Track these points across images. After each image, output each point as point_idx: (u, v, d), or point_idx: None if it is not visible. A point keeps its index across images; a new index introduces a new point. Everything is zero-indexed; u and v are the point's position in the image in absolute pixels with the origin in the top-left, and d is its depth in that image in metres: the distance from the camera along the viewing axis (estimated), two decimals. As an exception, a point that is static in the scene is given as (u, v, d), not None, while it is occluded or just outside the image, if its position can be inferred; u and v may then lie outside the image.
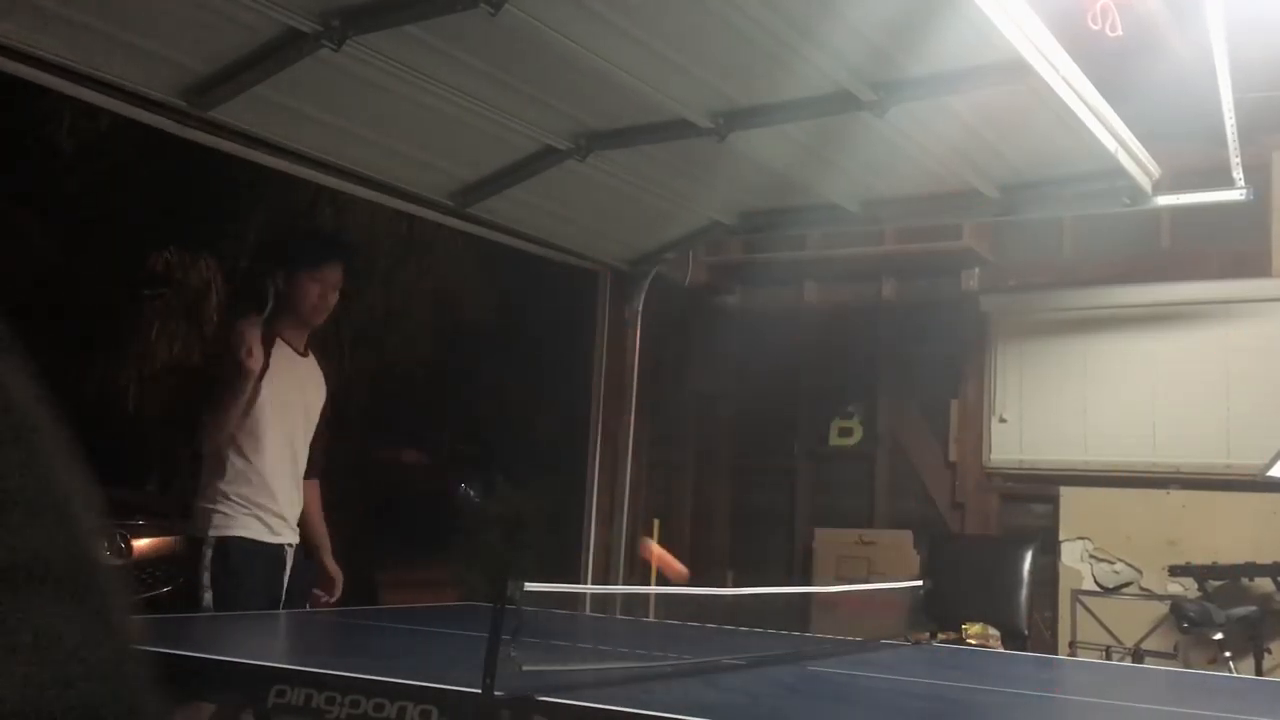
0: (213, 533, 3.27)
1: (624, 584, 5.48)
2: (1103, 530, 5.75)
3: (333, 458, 3.88)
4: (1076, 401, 5.92)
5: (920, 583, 4.92)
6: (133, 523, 6.34)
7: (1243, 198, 4.10)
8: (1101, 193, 4.29)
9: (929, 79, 3.49)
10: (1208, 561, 5.31)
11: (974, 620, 5.21)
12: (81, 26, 3.12)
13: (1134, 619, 5.54)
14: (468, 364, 9.18)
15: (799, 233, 6.12)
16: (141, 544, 6.31)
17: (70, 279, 8.02)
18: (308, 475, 3.62)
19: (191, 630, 2.71)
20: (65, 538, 0.50)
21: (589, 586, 5.16)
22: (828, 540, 6.35)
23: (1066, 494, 5.88)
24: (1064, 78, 3.39)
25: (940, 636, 4.66)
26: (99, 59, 3.28)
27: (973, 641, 5.07)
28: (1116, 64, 4.10)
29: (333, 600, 3.58)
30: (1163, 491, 5.62)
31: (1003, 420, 6.14)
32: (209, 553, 3.23)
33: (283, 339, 3.52)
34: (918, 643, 3.80)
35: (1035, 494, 6.03)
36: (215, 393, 3.33)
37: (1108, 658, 5.33)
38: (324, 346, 7.82)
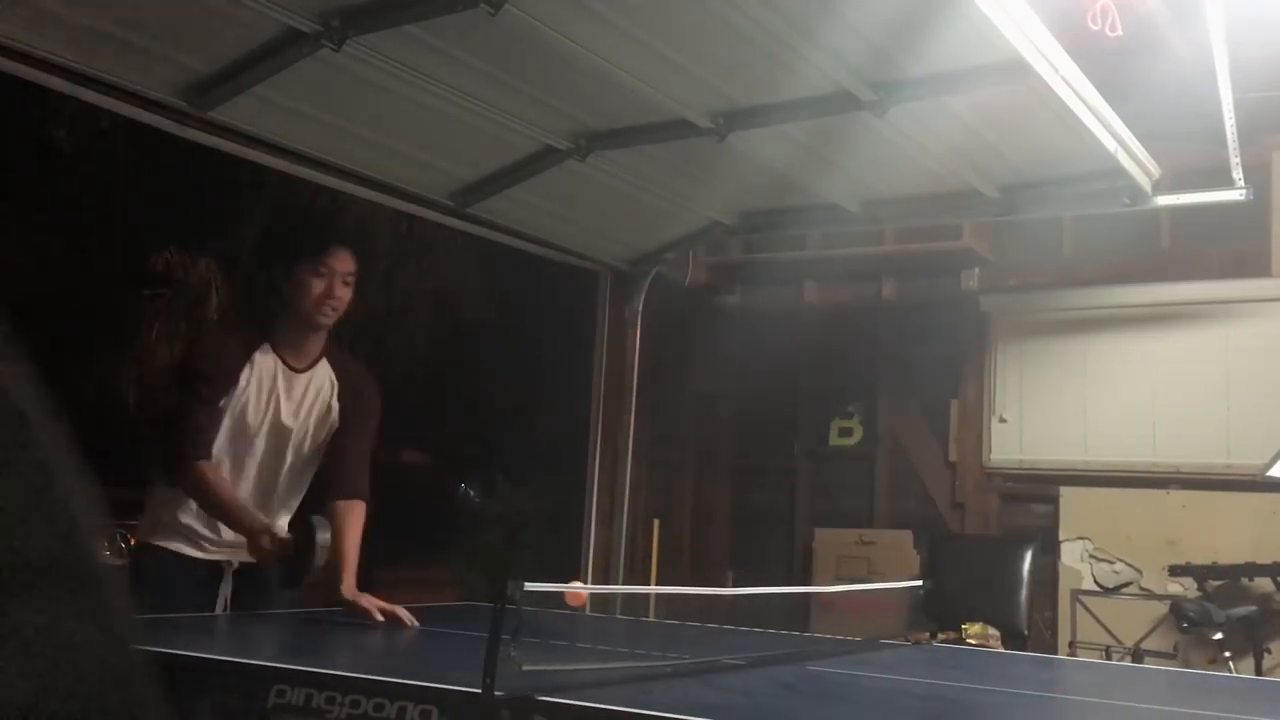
0: (140, 537, 3.03)
1: (624, 584, 5.49)
2: (1103, 530, 5.75)
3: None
4: (1076, 401, 5.92)
5: (920, 583, 4.93)
6: (133, 523, 6.34)
7: (1243, 198, 4.11)
8: (1101, 193, 4.29)
9: (929, 79, 3.49)
10: (1208, 561, 5.31)
11: (974, 620, 5.21)
12: (81, 26, 3.13)
13: (1134, 619, 5.54)
14: (468, 364, 9.18)
15: (799, 233, 6.13)
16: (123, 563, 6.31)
17: (70, 279, 8.02)
18: (347, 495, 3.06)
19: (191, 630, 2.71)
20: (65, 537, 0.50)
21: (589, 586, 5.16)
22: (828, 540, 6.35)
23: (1066, 494, 5.88)
24: (1064, 78, 3.39)
25: (940, 636, 4.66)
26: (99, 59, 3.28)
27: (973, 641, 5.08)
28: (1116, 64, 4.10)
29: (376, 623, 2.95)
30: (1163, 491, 5.63)
31: (1003, 420, 6.15)
32: (130, 558, 3.02)
33: (276, 351, 3.02)
34: (918, 643, 3.80)
35: (1035, 494, 6.04)
36: (178, 408, 2.95)
37: (1108, 658, 5.33)
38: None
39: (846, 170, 4.37)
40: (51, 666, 0.47)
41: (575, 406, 5.88)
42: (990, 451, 6.18)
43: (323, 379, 3.11)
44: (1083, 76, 3.50)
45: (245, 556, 2.96)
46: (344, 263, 3.02)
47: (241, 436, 2.98)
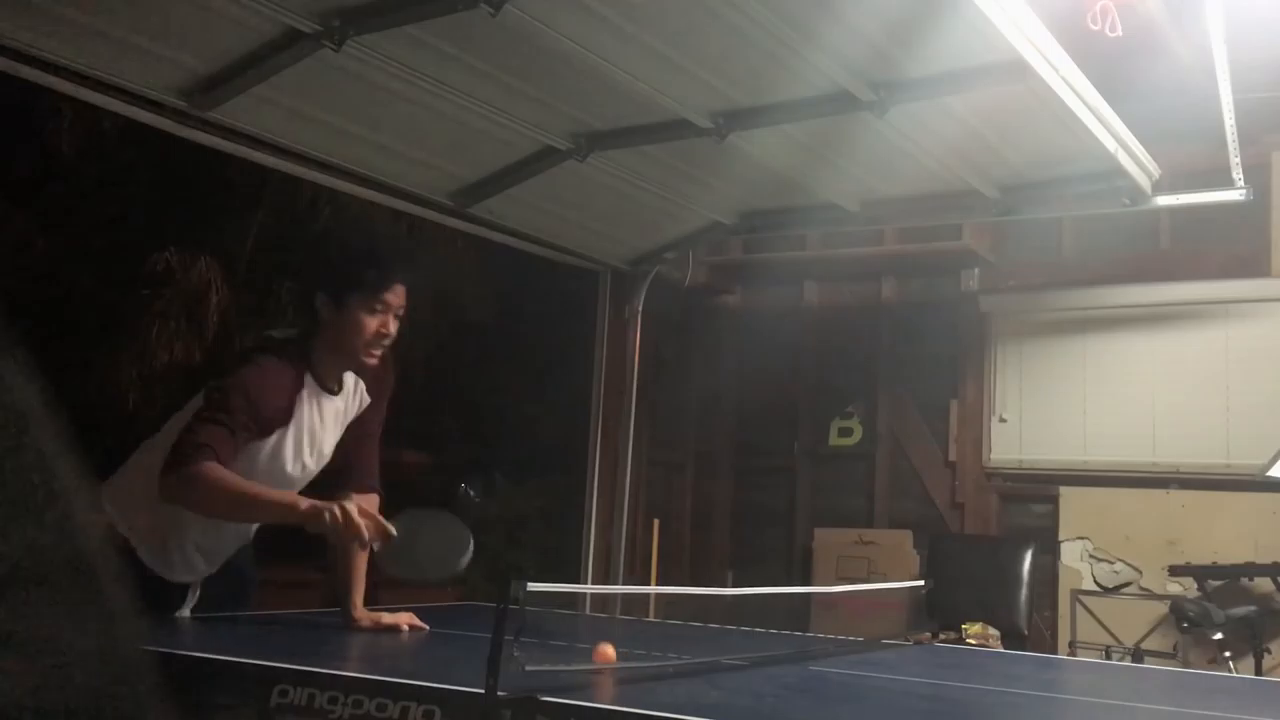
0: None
1: (624, 584, 5.48)
2: (1102, 530, 5.75)
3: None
4: (1076, 401, 5.93)
5: (920, 583, 4.93)
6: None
7: (1242, 198, 4.11)
8: (1101, 193, 4.29)
9: (929, 79, 3.49)
10: (1207, 561, 5.31)
11: (974, 620, 5.21)
12: (81, 26, 3.13)
13: (1134, 619, 5.54)
14: (468, 364, 9.17)
15: (799, 233, 6.13)
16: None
17: (70, 279, 8.01)
18: (363, 488, 2.86)
19: (192, 630, 2.71)
20: (65, 537, 0.50)
21: (589, 586, 5.16)
22: (828, 540, 6.35)
23: (1066, 494, 5.88)
24: (1064, 78, 3.39)
25: (940, 636, 4.66)
26: (99, 59, 3.28)
27: (973, 641, 5.08)
28: (1116, 64, 4.10)
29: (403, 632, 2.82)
30: (1162, 491, 5.63)
31: (1002, 420, 6.15)
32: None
33: (314, 375, 2.73)
34: (918, 643, 3.80)
35: (1035, 494, 6.04)
36: (197, 417, 2.54)
37: (1108, 658, 5.33)
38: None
39: (846, 170, 4.37)
40: (52, 666, 0.47)
41: (575, 406, 5.88)
42: (990, 451, 6.18)
43: (350, 389, 2.87)
44: (1083, 76, 3.50)
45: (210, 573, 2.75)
46: (400, 296, 2.74)
47: (272, 472, 2.69)
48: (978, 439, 6.19)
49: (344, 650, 2.67)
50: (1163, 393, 5.72)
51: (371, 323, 2.68)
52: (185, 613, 2.81)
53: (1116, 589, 5.66)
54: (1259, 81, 4.57)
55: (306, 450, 2.76)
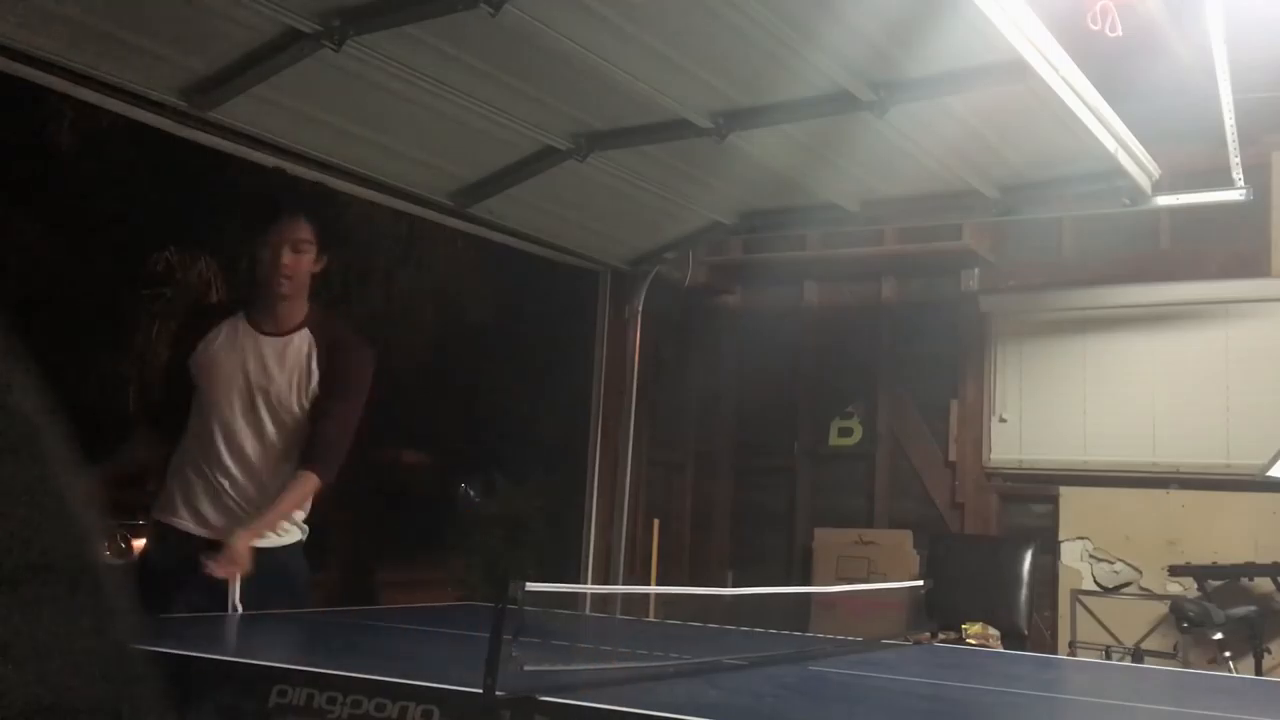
0: (153, 514, 3.07)
1: (624, 584, 5.48)
2: (1102, 530, 5.75)
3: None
4: (1076, 401, 5.93)
5: (920, 583, 4.93)
6: (133, 523, 6.34)
7: (1242, 198, 4.11)
8: (1101, 193, 4.29)
9: (929, 79, 3.49)
10: (1207, 561, 5.31)
11: (974, 620, 5.21)
12: (81, 26, 3.13)
13: (1134, 619, 5.54)
14: (468, 364, 9.17)
15: (799, 233, 6.13)
16: (141, 544, 6.30)
17: (70, 279, 8.01)
18: (305, 462, 3.06)
19: (192, 630, 2.71)
20: (65, 537, 0.50)
21: (589, 586, 5.16)
22: (828, 540, 6.35)
23: (1066, 494, 5.88)
24: (1064, 78, 3.39)
25: (940, 636, 4.66)
26: (99, 59, 3.29)
27: (973, 641, 5.08)
28: (1116, 64, 4.10)
29: (215, 574, 2.87)
30: (1162, 491, 5.63)
31: (1002, 420, 6.15)
32: (150, 535, 2.98)
33: (249, 320, 3.13)
34: (918, 643, 3.80)
35: (1035, 494, 6.04)
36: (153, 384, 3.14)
37: (1108, 658, 5.33)
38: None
39: (846, 170, 4.37)
40: (52, 666, 0.47)
41: (575, 406, 5.88)
42: (990, 451, 6.18)
43: (301, 343, 3.13)
44: (1083, 76, 3.50)
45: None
46: (294, 230, 3.08)
47: (213, 393, 3.05)
48: (978, 439, 6.19)
49: (343, 650, 2.67)
50: (1163, 393, 5.72)
51: (270, 255, 3.07)
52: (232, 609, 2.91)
53: (1116, 589, 5.66)
54: (1259, 81, 4.57)
55: (241, 369, 3.06)
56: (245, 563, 2.84)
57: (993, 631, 5.22)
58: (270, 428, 3.07)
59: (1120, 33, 3.75)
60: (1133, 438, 5.75)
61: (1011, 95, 3.50)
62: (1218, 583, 5.30)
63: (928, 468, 6.33)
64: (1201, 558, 5.35)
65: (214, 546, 2.90)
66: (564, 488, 6.07)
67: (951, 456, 6.26)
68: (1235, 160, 4.01)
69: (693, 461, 6.97)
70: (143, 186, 8.14)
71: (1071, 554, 5.79)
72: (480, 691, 1.67)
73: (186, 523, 3.03)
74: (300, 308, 3.15)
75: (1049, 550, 5.78)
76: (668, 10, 3.15)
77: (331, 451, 3.10)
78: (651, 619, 5.42)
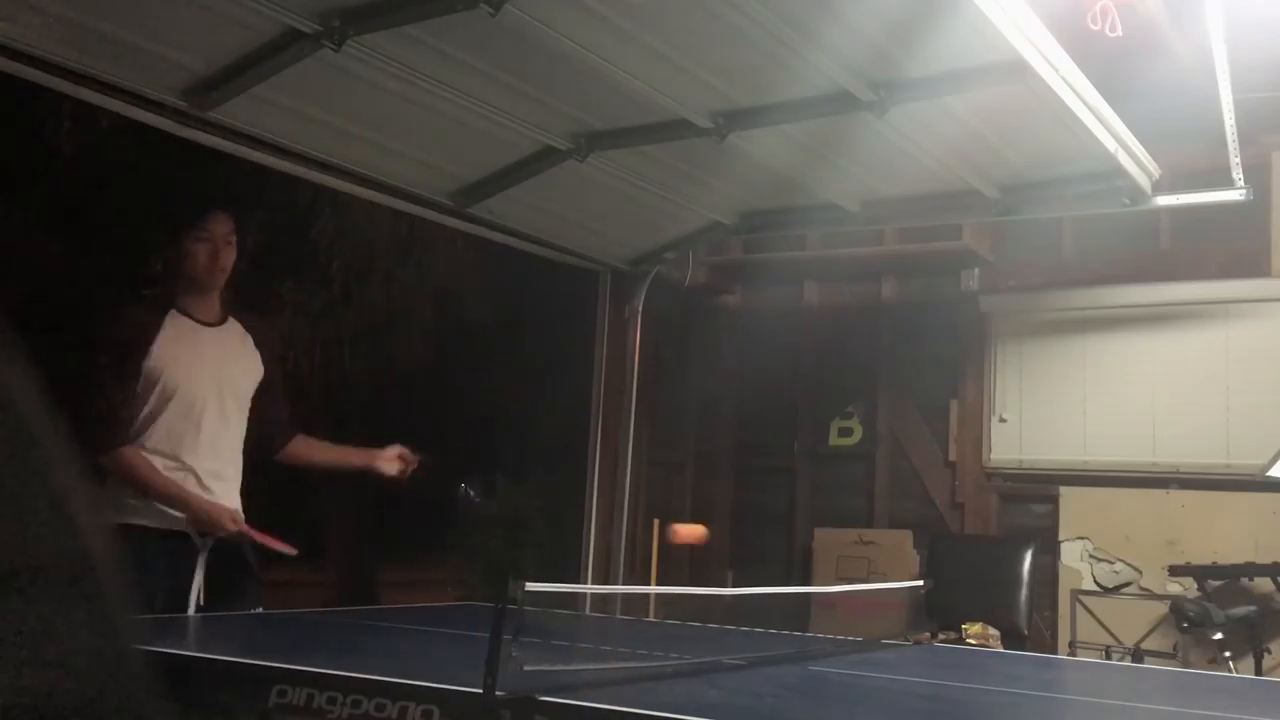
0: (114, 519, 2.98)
1: (624, 584, 5.48)
2: (1102, 530, 5.75)
3: None
4: (1076, 401, 5.93)
5: (920, 583, 4.93)
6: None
7: (1242, 198, 4.10)
8: (1101, 193, 4.29)
9: (929, 79, 3.49)
10: (1207, 561, 5.31)
11: (974, 620, 5.21)
12: (81, 26, 3.12)
13: (1134, 619, 5.54)
14: (468, 364, 9.17)
15: (799, 233, 6.13)
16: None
17: (70, 279, 8.01)
18: (288, 429, 3.41)
19: (192, 630, 2.71)
20: (66, 537, 0.50)
21: (589, 586, 5.16)
22: (828, 540, 6.35)
23: (1066, 494, 5.88)
24: (1064, 78, 3.39)
25: (940, 636, 4.66)
26: (99, 59, 3.28)
27: (973, 641, 5.08)
28: (1116, 64, 4.10)
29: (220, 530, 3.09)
30: (1163, 491, 5.63)
31: (1003, 420, 6.15)
32: None
33: (182, 312, 3.22)
34: (918, 643, 3.80)
35: (1035, 494, 6.04)
36: (102, 384, 3.08)
37: (1108, 658, 5.33)
38: (325, 346, 7.83)
39: (846, 170, 4.37)
40: (52, 666, 0.47)
41: (575, 406, 5.87)
42: (990, 451, 6.18)
43: (238, 332, 3.33)
44: (1083, 76, 3.50)
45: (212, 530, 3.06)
46: (222, 224, 3.25)
47: (183, 403, 3.11)
48: (978, 439, 6.19)
49: (343, 650, 2.67)
50: (1163, 393, 5.72)
51: (202, 249, 3.20)
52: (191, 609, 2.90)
53: (1116, 589, 5.66)
54: (1259, 81, 4.57)
55: (192, 364, 3.14)
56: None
57: (993, 631, 5.22)
58: (233, 416, 3.25)
59: (1120, 33, 3.75)
60: (1133, 438, 5.75)
61: (1011, 95, 3.50)
62: (1218, 583, 5.29)
63: (928, 468, 6.33)
64: (1201, 558, 5.35)
65: (175, 538, 3.01)
66: (564, 488, 6.07)
67: (951, 456, 6.26)
68: (1235, 160, 4.01)
69: (693, 461, 6.97)
70: (143, 186, 8.13)
71: (1071, 554, 5.79)
72: (480, 691, 1.67)
73: (145, 519, 3.02)
74: (221, 298, 3.34)
75: (1049, 550, 5.78)
76: (668, 10, 3.15)
77: (289, 415, 3.44)
78: (651, 619, 5.42)
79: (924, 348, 6.35)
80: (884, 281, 6.56)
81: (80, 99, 3.56)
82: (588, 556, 5.52)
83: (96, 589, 0.51)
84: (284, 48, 3.31)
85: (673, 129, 3.94)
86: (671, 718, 1.63)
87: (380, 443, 3.60)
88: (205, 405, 3.18)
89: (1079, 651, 5.56)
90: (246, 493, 3.35)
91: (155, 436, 3.11)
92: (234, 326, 3.34)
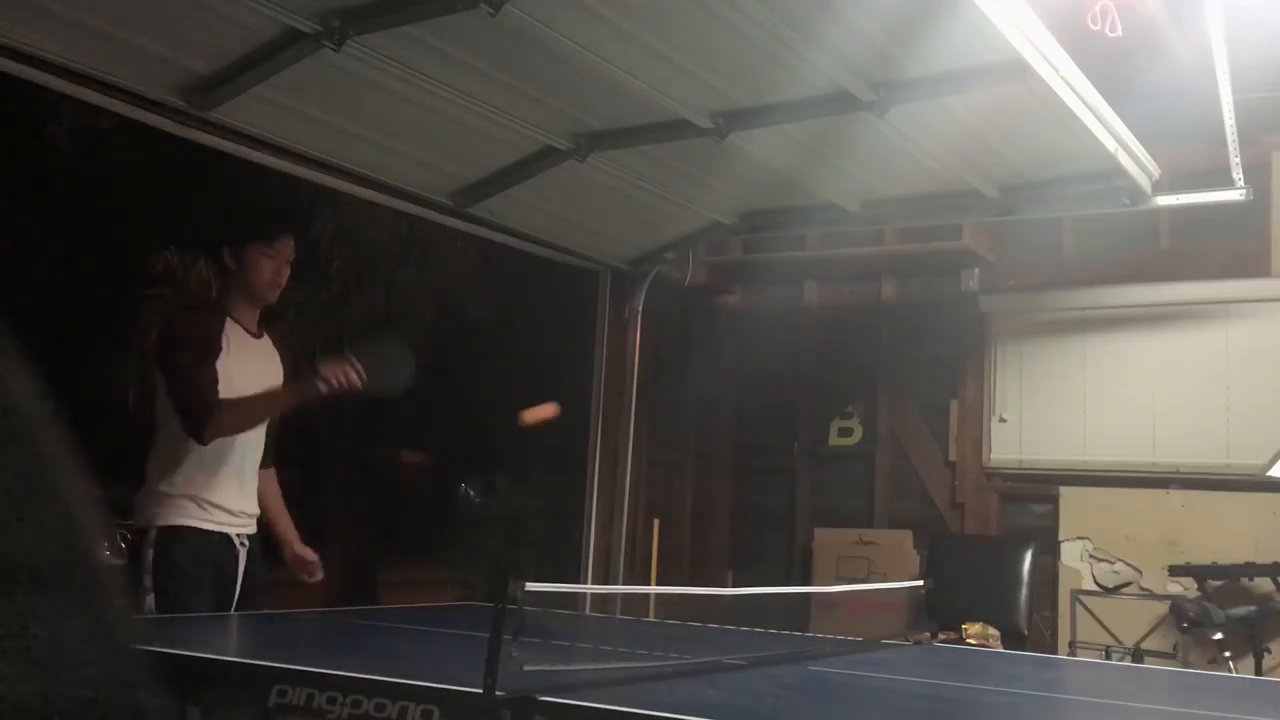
0: (157, 523, 3.07)
1: (624, 584, 5.48)
2: (1102, 530, 5.75)
3: (333, 457, 3.75)
4: (1076, 401, 5.92)
5: (920, 583, 4.93)
6: (132, 523, 6.33)
7: (1242, 198, 4.10)
8: (1101, 193, 4.29)
9: (929, 79, 3.49)
10: (1207, 561, 5.31)
11: (974, 620, 5.21)
12: (81, 26, 3.12)
13: (1134, 619, 5.54)
14: (468, 364, 9.17)
15: (799, 233, 6.13)
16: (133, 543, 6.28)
17: (70, 279, 8.02)
18: (264, 464, 3.40)
19: (192, 630, 2.71)
20: (66, 538, 0.50)
21: (589, 586, 5.16)
22: (828, 540, 6.35)
23: (1066, 494, 5.88)
24: (1064, 78, 3.39)
25: (940, 636, 4.66)
26: (99, 59, 3.28)
27: (973, 641, 5.08)
28: (1116, 64, 4.10)
29: (318, 579, 3.37)
30: (1162, 491, 5.63)
31: (1003, 420, 6.15)
32: (150, 551, 3.02)
33: (234, 320, 3.27)
34: (918, 643, 3.80)
35: (1035, 494, 6.04)
36: (180, 370, 3.12)
37: (1108, 658, 5.33)
38: (325, 346, 7.83)
39: (846, 170, 4.37)
40: (52, 667, 0.47)
41: (575, 406, 5.87)
42: (990, 451, 6.18)
43: (271, 345, 3.43)
44: (1083, 76, 3.50)
45: (248, 529, 3.20)
46: (289, 249, 3.34)
47: (234, 392, 3.17)
48: (978, 439, 6.18)
49: (342, 650, 2.67)
50: (1163, 393, 5.71)
51: (268, 265, 3.27)
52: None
53: (1116, 589, 5.66)
54: (1259, 81, 4.57)
55: (246, 372, 3.20)
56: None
57: (993, 631, 5.22)
58: (259, 430, 3.31)
59: (1120, 33, 3.75)
60: (1133, 438, 5.75)
61: (1011, 95, 3.50)
62: (1218, 583, 5.29)
63: (928, 468, 6.32)
64: (1201, 558, 5.35)
65: (220, 538, 3.13)
66: (564, 488, 6.07)
67: (951, 456, 6.26)
68: (1235, 160, 4.01)
69: (693, 461, 6.97)
70: (143, 186, 8.14)
71: (1071, 554, 5.79)
72: (480, 691, 1.67)
73: (206, 523, 3.12)
74: (260, 313, 3.42)
75: (1049, 550, 5.78)
76: (668, 10, 3.15)
77: (274, 448, 3.48)
78: (651, 619, 5.42)
79: (924, 348, 6.35)
80: (884, 281, 6.55)
81: (81, 99, 3.56)
82: (588, 556, 5.52)
83: (96, 590, 0.51)
84: (284, 48, 3.32)
85: (673, 129, 3.94)
86: (671, 718, 1.63)
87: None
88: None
89: (1079, 651, 5.55)
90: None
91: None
92: (268, 340, 3.44)
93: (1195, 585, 5.34)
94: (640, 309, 5.57)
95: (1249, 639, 4.91)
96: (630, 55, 3.38)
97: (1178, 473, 5.63)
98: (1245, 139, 4.03)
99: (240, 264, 3.28)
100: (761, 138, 4.00)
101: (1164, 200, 4.28)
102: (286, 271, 3.36)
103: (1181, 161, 4.57)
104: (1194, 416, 5.62)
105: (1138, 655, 5.28)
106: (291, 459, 3.46)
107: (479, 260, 8.31)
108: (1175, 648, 5.25)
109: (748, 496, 6.84)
